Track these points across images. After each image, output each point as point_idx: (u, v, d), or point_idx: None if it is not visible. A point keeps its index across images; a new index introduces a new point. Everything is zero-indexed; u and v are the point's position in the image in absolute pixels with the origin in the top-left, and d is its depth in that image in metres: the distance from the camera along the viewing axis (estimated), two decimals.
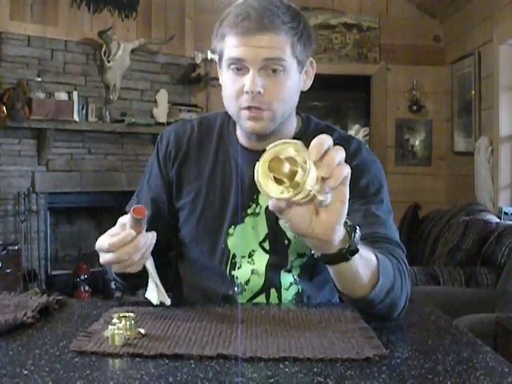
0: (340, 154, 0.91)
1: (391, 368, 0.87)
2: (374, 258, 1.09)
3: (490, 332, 2.65)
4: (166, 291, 1.22)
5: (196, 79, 5.44)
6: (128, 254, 1.12)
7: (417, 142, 5.85)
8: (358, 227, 1.02)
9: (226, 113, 1.44)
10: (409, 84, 5.74)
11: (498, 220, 4.22)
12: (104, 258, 1.15)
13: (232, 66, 1.28)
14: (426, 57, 5.75)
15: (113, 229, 1.15)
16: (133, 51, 5.02)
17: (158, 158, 1.46)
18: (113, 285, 4.85)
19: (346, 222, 0.99)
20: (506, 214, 4.32)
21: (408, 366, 0.88)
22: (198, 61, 5.37)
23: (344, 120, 6.80)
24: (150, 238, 1.15)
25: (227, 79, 1.31)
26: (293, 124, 1.40)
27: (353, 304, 1.16)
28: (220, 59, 1.33)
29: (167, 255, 1.55)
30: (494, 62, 4.60)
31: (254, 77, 1.25)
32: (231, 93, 1.30)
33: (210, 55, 5.37)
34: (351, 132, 6.53)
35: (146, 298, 1.21)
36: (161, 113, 5.21)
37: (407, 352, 0.94)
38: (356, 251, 1.02)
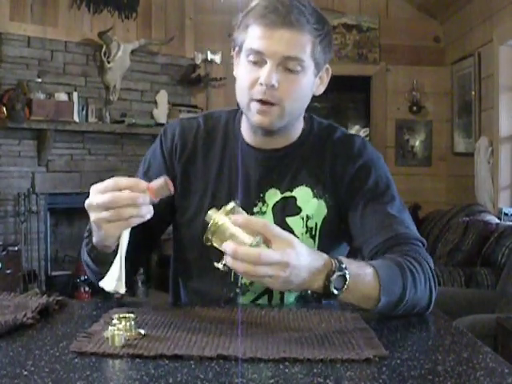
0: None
1: (391, 369, 0.87)
2: (374, 282, 1.12)
3: (490, 332, 2.65)
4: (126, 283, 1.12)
5: (196, 80, 5.45)
6: (130, 199, 1.05)
7: (417, 143, 5.85)
8: (340, 274, 1.07)
9: (231, 110, 1.45)
10: (409, 85, 5.74)
11: (498, 221, 4.22)
12: (98, 215, 1.08)
13: (250, 57, 1.28)
14: (426, 57, 5.75)
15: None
16: (133, 52, 5.03)
17: (162, 150, 1.42)
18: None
19: (331, 271, 1.06)
20: (505, 214, 4.32)
21: (408, 366, 0.88)
22: (198, 61, 5.37)
23: (344, 121, 6.80)
24: (149, 209, 1.09)
25: (243, 70, 1.30)
26: (300, 125, 1.41)
27: None
28: (239, 50, 1.33)
29: (147, 254, 1.52)
30: (493, 62, 4.60)
31: (271, 70, 1.25)
32: (245, 83, 1.29)
33: (209, 56, 5.37)
34: (351, 132, 6.53)
35: (100, 286, 1.13)
36: (161, 113, 5.22)
37: (407, 353, 0.94)
38: (331, 295, 1.07)
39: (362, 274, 1.11)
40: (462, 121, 5.31)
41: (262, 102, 1.27)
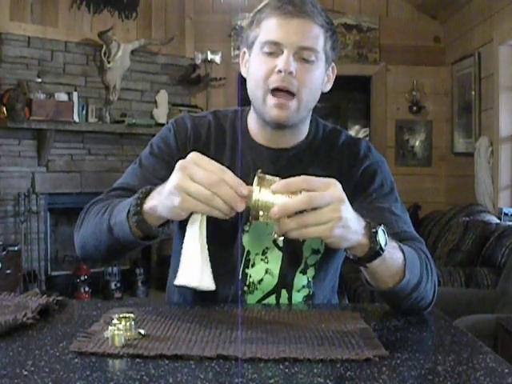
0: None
1: (391, 369, 0.87)
2: (401, 255, 1.14)
3: (489, 332, 2.65)
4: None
5: (196, 80, 5.45)
6: (229, 197, 1.00)
7: (417, 143, 5.85)
8: (381, 228, 1.07)
9: (236, 110, 1.45)
10: (409, 85, 5.74)
11: (498, 221, 4.22)
12: (188, 182, 1.00)
13: (265, 49, 1.29)
14: (426, 57, 5.75)
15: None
16: (133, 52, 5.03)
17: (175, 139, 1.40)
18: (113, 285, 4.87)
19: (371, 225, 1.07)
20: (505, 214, 4.32)
21: (408, 366, 0.88)
22: (198, 61, 5.37)
23: (344, 121, 6.79)
24: (231, 214, 1.04)
25: (258, 62, 1.31)
26: (307, 124, 1.42)
27: (381, 296, 1.21)
28: (251, 46, 1.34)
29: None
30: (493, 62, 4.60)
31: (288, 57, 1.26)
32: (261, 74, 1.29)
33: (209, 56, 5.37)
34: (351, 133, 6.53)
35: (178, 286, 1.04)
36: (161, 113, 5.22)
37: (407, 352, 0.94)
38: (378, 254, 1.07)
39: (392, 244, 1.12)
40: (462, 121, 5.31)
41: (279, 91, 1.27)
